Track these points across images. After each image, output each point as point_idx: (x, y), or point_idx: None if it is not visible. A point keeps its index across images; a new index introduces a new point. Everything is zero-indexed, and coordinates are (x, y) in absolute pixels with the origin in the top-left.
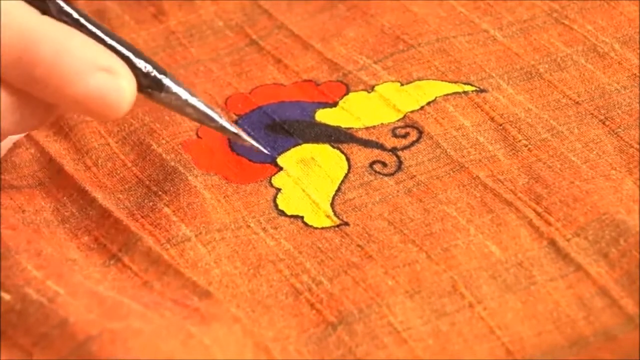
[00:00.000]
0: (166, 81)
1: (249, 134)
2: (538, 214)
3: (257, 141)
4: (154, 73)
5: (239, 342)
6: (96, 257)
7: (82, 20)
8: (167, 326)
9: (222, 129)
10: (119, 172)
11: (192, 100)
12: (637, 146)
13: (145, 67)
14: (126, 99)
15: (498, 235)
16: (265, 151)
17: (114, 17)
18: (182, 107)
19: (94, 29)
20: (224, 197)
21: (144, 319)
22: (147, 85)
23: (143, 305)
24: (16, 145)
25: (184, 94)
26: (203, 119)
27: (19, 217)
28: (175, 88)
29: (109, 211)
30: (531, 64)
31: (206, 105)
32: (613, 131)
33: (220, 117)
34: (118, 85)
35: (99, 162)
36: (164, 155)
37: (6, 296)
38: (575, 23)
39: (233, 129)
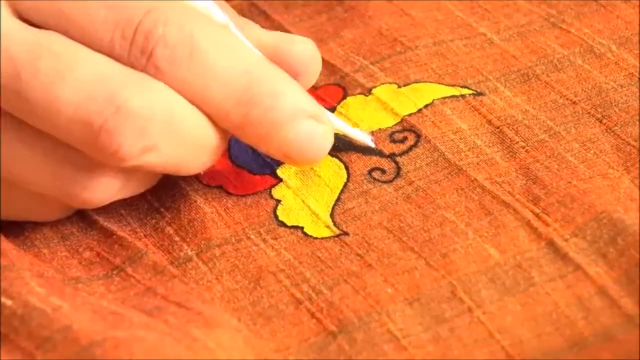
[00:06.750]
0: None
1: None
2: (536, 215)
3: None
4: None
5: (241, 350)
6: (98, 269)
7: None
8: (170, 332)
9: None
10: None
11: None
12: (635, 143)
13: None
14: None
15: (496, 238)
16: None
17: None
18: None
19: None
20: (225, 209)
21: (147, 328)
22: None
23: (146, 314)
24: None
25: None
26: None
27: (17, 233)
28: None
29: (112, 230)
30: (528, 65)
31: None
32: (610, 129)
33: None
34: (324, 132)
35: None
36: None
37: (7, 301)
38: (572, 27)
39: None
